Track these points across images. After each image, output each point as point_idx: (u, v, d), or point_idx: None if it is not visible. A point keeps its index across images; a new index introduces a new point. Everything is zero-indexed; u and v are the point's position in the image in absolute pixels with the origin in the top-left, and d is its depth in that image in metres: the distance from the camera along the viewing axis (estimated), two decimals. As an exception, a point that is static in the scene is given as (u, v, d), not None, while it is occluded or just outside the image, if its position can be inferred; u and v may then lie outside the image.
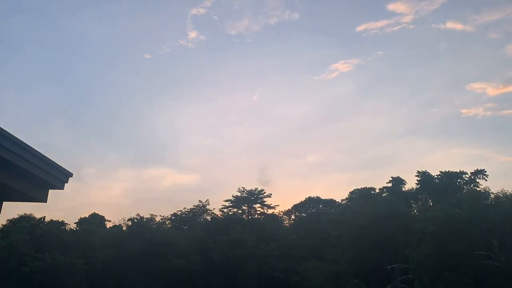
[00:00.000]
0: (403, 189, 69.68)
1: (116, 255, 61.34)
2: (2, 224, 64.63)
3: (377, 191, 72.09)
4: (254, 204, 78.20)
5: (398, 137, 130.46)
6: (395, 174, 73.13)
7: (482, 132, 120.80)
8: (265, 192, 78.01)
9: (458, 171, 66.15)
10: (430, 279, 44.72)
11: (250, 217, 77.68)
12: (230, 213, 77.31)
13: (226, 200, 77.98)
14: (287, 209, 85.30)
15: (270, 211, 79.05)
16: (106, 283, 59.20)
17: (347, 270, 50.72)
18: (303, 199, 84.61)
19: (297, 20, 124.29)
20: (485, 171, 64.57)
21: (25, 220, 64.56)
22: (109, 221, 77.56)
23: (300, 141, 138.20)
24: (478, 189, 58.37)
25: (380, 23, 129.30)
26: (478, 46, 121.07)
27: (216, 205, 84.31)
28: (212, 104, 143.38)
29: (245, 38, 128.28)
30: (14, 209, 67.26)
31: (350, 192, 77.14)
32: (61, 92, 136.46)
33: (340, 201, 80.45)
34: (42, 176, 5.95)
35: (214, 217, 78.16)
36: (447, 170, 66.27)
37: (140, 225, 66.44)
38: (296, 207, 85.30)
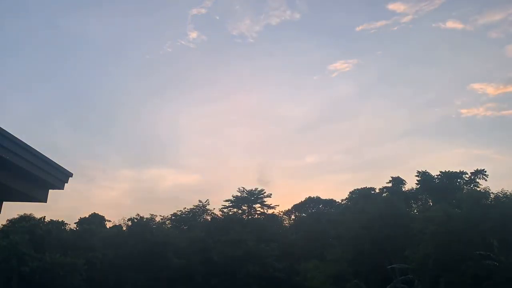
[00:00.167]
0: (403, 189, 69.66)
1: (116, 255, 61.35)
2: (2, 224, 64.73)
3: (377, 191, 72.08)
4: (254, 204, 78.24)
5: (398, 137, 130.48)
6: (395, 174, 73.16)
7: (482, 132, 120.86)
8: (265, 192, 78.10)
9: (458, 171, 66.16)
10: (430, 279, 44.73)
11: (250, 217, 77.70)
12: (230, 213, 77.35)
13: (226, 200, 78.12)
14: (287, 209, 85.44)
15: (270, 211, 79.18)
16: (106, 283, 59.20)
17: (347, 270, 50.70)
18: (303, 199, 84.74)
19: (298, 20, 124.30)
20: (485, 171, 64.61)
21: (25, 220, 64.55)
22: (109, 221, 77.67)
23: (300, 141, 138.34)
24: (478, 189, 58.32)
25: (380, 23, 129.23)
26: (478, 46, 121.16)
27: (216, 205, 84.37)
28: (212, 104, 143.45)
29: (246, 38, 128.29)
30: (14, 209, 67.31)
31: (350, 192, 77.18)
32: (61, 92, 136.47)
33: (340, 201, 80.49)
34: (42, 176, 5.95)
35: (214, 217, 78.19)
36: (447, 170, 66.27)
37: (140, 225, 66.45)
38: (296, 207, 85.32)
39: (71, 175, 6.47)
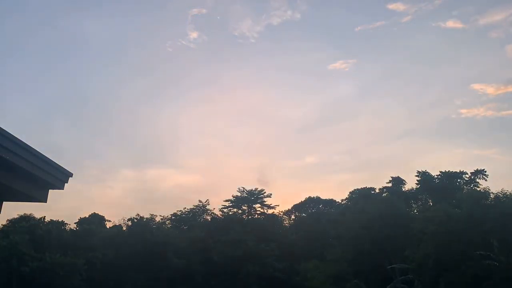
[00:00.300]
0: (403, 189, 69.70)
1: (116, 255, 61.38)
2: (2, 224, 64.80)
3: (377, 191, 72.10)
4: (254, 204, 78.18)
5: (398, 137, 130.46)
6: (395, 174, 73.17)
7: (482, 132, 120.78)
8: (265, 192, 78.04)
9: (458, 171, 66.18)
10: (430, 279, 44.72)
11: (250, 217, 77.67)
12: (230, 213, 77.31)
13: (226, 200, 78.06)
14: (287, 209, 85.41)
15: (270, 211, 79.10)
16: (106, 283, 59.21)
17: (347, 270, 50.69)
18: (303, 199, 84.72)
19: (298, 20, 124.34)
20: (485, 171, 64.64)
21: (25, 220, 64.61)
22: (109, 221, 77.68)
23: (301, 141, 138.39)
24: (478, 189, 58.35)
25: (380, 23, 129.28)
26: (478, 46, 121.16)
27: (216, 205, 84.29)
28: (213, 104, 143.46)
29: (247, 38, 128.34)
30: (14, 209, 67.40)
31: (350, 192, 77.22)
32: (61, 92, 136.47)
33: (340, 201, 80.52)
34: (42, 176, 5.95)
35: (214, 217, 78.17)
36: (447, 170, 66.30)
37: (140, 225, 66.48)
38: (296, 207, 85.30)
39: (71, 175, 6.47)
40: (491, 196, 50.05)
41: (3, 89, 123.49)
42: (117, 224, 73.39)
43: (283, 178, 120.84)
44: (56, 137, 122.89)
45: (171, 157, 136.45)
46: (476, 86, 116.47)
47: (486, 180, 63.80)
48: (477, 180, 64.03)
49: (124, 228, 70.48)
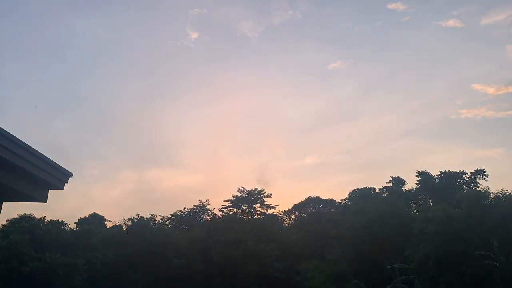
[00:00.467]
0: (403, 189, 69.72)
1: (116, 255, 61.35)
2: (2, 224, 64.80)
3: (377, 191, 72.15)
4: (254, 204, 78.18)
5: (399, 138, 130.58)
6: (395, 174, 73.22)
7: (482, 132, 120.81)
8: (265, 192, 78.04)
9: (458, 171, 66.22)
10: (430, 279, 44.71)
11: (250, 217, 77.65)
12: (230, 213, 77.31)
13: (226, 200, 78.07)
14: (287, 209, 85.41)
15: (270, 211, 79.12)
16: (106, 283, 59.20)
17: (347, 270, 50.69)
18: (303, 199, 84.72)
19: (299, 20, 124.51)
20: (485, 171, 64.69)
21: (25, 220, 64.62)
22: (109, 221, 77.65)
23: (301, 141, 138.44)
24: (478, 189, 58.36)
25: (380, 23, 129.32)
26: (479, 46, 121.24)
27: (216, 205, 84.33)
28: (213, 104, 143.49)
29: (248, 38, 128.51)
30: (14, 209, 67.49)
31: (350, 192, 77.37)
32: (61, 92, 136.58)
33: (340, 201, 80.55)
34: (42, 176, 5.95)
35: (214, 217, 78.15)
36: (447, 170, 66.35)
37: (140, 225, 66.46)
38: (296, 207, 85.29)
39: (71, 175, 6.47)
40: (491, 196, 50.04)
41: (3, 89, 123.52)
42: (117, 224, 73.39)
43: (283, 178, 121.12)
44: (56, 137, 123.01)
45: (171, 157, 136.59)
46: (477, 87, 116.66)
47: (486, 180, 63.92)
48: (477, 180, 64.10)
49: (124, 228, 70.45)
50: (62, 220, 69.98)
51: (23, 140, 5.35)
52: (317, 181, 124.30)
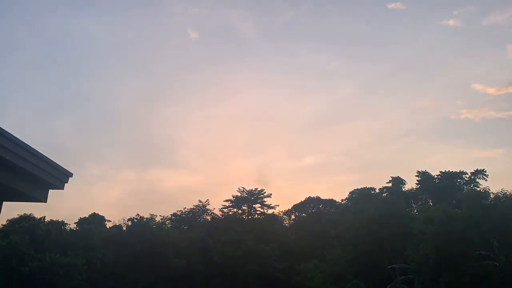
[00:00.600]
0: (403, 189, 69.71)
1: (116, 255, 61.38)
2: (2, 224, 64.75)
3: (377, 191, 72.15)
4: (254, 204, 78.18)
5: (399, 138, 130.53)
6: (395, 174, 73.20)
7: (482, 132, 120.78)
8: (265, 192, 78.03)
9: (458, 171, 66.21)
10: (430, 279, 44.70)
11: (250, 217, 77.65)
12: (230, 213, 77.32)
13: (226, 200, 78.06)
14: (287, 209, 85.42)
15: (270, 211, 79.12)
16: (106, 283, 59.20)
17: (347, 270, 50.67)
18: (303, 199, 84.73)
19: (299, 20, 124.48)
20: (485, 171, 64.68)
21: (25, 220, 64.61)
22: (109, 221, 77.65)
23: (301, 141, 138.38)
24: (478, 189, 58.35)
25: (380, 23, 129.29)
26: (480, 46, 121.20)
27: (216, 205, 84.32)
28: (213, 104, 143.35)
29: (248, 38, 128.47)
30: (14, 209, 67.41)
31: (350, 192, 77.38)
32: (61, 92, 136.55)
33: (340, 201, 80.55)
34: (42, 176, 5.95)
35: (214, 217, 78.15)
36: (447, 170, 66.33)
37: (140, 225, 66.48)
38: (296, 207, 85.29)
39: (71, 175, 6.48)
40: (491, 196, 50.02)
41: (3, 89, 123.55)
42: (117, 224, 73.39)
43: (283, 178, 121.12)
44: (56, 137, 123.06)
45: (171, 157, 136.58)
46: (477, 87, 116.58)
47: (486, 180, 63.92)
48: (477, 180, 64.09)
49: (124, 228, 70.47)
50: (62, 220, 70.03)
51: (23, 140, 5.36)
52: (317, 181, 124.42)
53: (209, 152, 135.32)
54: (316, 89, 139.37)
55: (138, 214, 69.05)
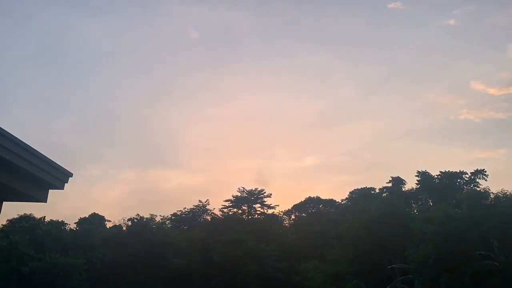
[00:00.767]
0: (403, 189, 69.72)
1: (116, 255, 61.37)
2: (2, 224, 64.74)
3: (377, 191, 72.16)
4: (254, 204, 78.16)
5: (399, 138, 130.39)
6: (395, 174, 73.20)
7: (483, 133, 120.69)
8: (265, 192, 78.00)
9: (458, 171, 66.21)
10: (430, 279, 44.70)
11: (250, 217, 77.65)
12: (230, 213, 77.30)
13: (226, 200, 78.03)
14: (287, 209, 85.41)
15: (270, 211, 79.07)
16: (106, 283, 59.21)
17: (347, 270, 50.68)
18: (303, 199, 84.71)
19: (299, 20, 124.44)
20: (485, 171, 64.69)
21: (25, 220, 64.61)
22: (109, 221, 77.66)
23: (301, 141, 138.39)
24: (478, 189, 58.36)
25: (380, 23, 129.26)
26: (480, 46, 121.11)
27: (216, 205, 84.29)
28: (213, 104, 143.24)
29: (248, 39, 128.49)
30: (14, 209, 67.39)
31: (350, 192, 77.39)
32: (62, 92, 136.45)
33: (340, 201, 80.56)
34: (42, 176, 5.95)
35: (214, 217, 78.15)
36: (447, 170, 66.33)
37: (140, 225, 66.49)
38: (296, 207, 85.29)
39: (71, 175, 6.48)
40: (491, 196, 49.99)
41: (3, 89, 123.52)
42: (117, 224, 73.39)
43: (283, 178, 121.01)
44: (56, 137, 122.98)
45: (171, 157, 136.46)
46: (477, 87, 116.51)
47: (486, 180, 63.93)
48: (477, 180, 64.10)
49: (124, 228, 70.47)
50: (62, 220, 69.98)
51: (23, 140, 5.36)
52: (317, 181, 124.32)
53: (209, 152, 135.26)
54: (316, 89, 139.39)
55: (138, 214, 69.13)
